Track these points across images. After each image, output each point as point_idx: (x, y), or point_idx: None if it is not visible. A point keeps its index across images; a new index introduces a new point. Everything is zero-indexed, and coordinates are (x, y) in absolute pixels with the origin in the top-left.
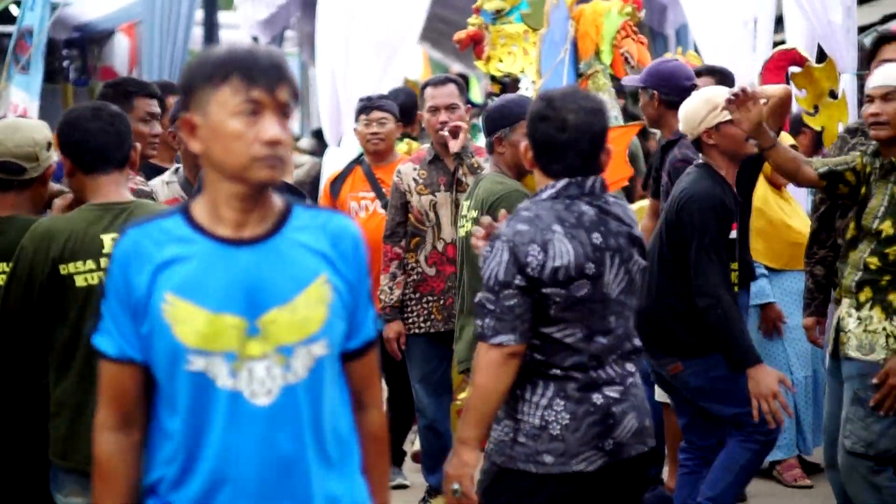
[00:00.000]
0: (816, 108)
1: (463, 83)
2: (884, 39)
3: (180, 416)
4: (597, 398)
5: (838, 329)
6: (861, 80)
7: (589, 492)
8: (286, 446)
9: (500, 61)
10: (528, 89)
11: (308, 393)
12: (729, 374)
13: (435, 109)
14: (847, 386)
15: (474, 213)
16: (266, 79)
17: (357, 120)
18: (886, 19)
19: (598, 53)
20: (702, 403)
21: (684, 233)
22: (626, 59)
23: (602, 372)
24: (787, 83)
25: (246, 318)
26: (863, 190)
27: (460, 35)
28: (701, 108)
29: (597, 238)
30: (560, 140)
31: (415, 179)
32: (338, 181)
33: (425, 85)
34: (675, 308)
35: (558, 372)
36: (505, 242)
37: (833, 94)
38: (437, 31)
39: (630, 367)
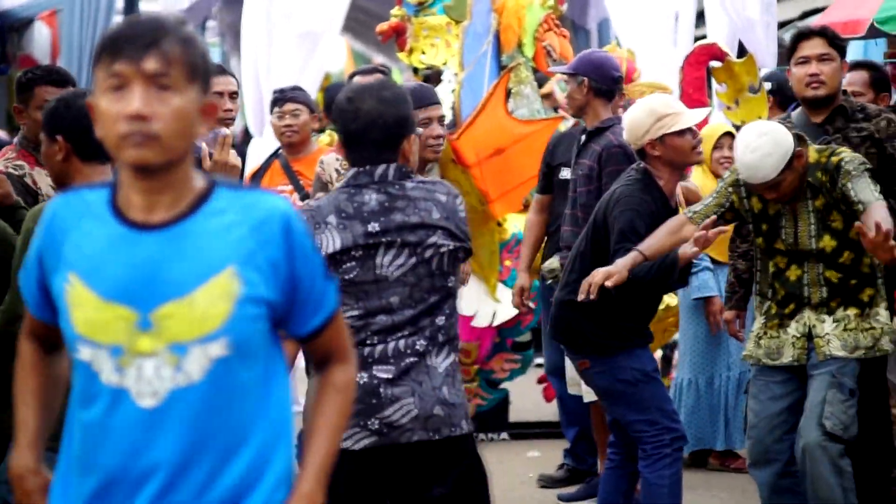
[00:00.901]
0: (737, 102)
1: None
2: (802, 36)
3: (76, 401)
4: (362, 377)
5: (809, 336)
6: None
7: (362, 471)
8: (162, 456)
9: (423, 53)
10: (451, 81)
11: (203, 400)
12: (632, 379)
13: None
14: (821, 375)
15: None
16: (131, 49)
17: (271, 112)
18: (806, 15)
19: (520, 46)
20: (605, 404)
21: (608, 233)
22: (548, 52)
23: (376, 351)
24: (708, 77)
25: (137, 311)
26: (762, 225)
27: (383, 27)
28: (646, 118)
29: (373, 227)
30: (354, 130)
31: (337, 170)
32: (258, 175)
33: (353, 74)
34: (585, 305)
35: None
36: None
37: (753, 89)
38: (359, 22)
39: (422, 344)
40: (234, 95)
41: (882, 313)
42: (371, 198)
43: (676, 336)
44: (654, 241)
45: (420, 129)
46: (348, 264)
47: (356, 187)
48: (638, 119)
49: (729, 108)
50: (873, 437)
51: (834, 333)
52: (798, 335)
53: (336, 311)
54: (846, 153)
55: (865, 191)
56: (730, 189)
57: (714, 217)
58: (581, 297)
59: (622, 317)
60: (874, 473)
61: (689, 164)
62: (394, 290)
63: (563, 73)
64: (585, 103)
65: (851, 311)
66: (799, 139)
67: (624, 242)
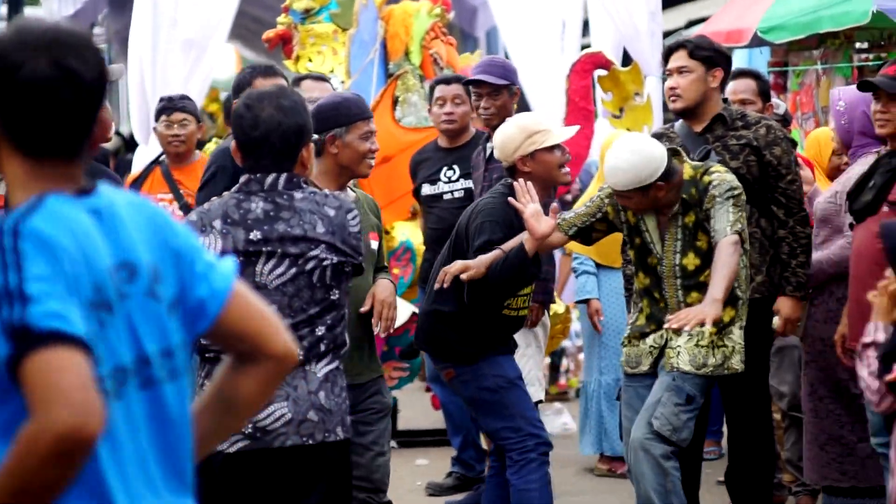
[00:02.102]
0: (622, 110)
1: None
2: (669, 49)
3: None
4: None
5: (664, 347)
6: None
7: (236, 474)
8: None
9: (310, 61)
10: (338, 89)
11: None
12: (494, 386)
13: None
14: (663, 378)
15: None
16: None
17: (157, 120)
18: (691, 24)
19: (407, 54)
20: (472, 412)
21: (469, 243)
22: (435, 60)
23: None
24: (594, 85)
25: None
26: (636, 239)
27: (269, 34)
28: (518, 135)
29: (255, 235)
30: (253, 137)
31: None
32: (137, 183)
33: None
34: (448, 313)
35: (211, 354)
36: None
37: (639, 97)
38: (247, 29)
39: (300, 354)
40: None
41: (736, 332)
42: (257, 206)
43: (564, 343)
44: (517, 242)
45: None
46: None
47: (246, 194)
48: (510, 135)
49: (615, 116)
50: (756, 443)
51: (686, 347)
52: (655, 346)
53: (229, 292)
54: (718, 175)
55: (722, 220)
56: (605, 200)
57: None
58: (436, 285)
59: (484, 325)
60: (757, 479)
61: (557, 182)
62: (273, 298)
63: (494, 82)
64: (510, 112)
65: (707, 329)
66: (674, 153)
67: (480, 252)
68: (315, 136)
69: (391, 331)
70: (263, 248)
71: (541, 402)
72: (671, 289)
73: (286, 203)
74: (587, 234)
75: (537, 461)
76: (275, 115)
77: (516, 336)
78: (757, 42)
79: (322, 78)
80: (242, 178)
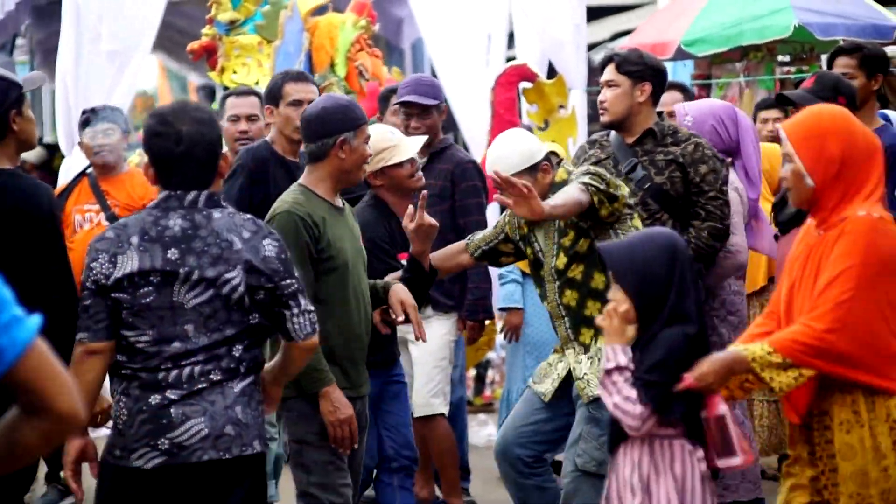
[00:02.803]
0: (547, 123)
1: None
2: (602, 62)
3: None
4: (153, 398)
5: (569, 378)
6: (591, 95)
7: (154, 490)
8: None
9: (235, 72)
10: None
11: None
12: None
13: (236, 119)
14: (581, 409)
15: None
16: None
17: (82, 132)
18: (616, 36)
19: (332, 66)
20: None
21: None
22: (360, 71)
23: (170, 375)
24: (519, 98)
25: None
26: (528, 250)
27: (194, 45)
28: (380, 145)
29: (173, 253)
30: (177, 153)
31: None
32: (63, 194)
33: (227, 95)
34: None
35: (128, 371)
36: (90, 246)
37: (563, 109)
38: (172, 40)
39: (217, 374)
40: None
41: None
42: (175, 223)
43: (490, 355)
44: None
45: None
46: (145, 288)
47: (164, 210)
48: (375, 144)
49: (540, 128)
50: None
51: (591, 372)
52: (560, 375)
53: (22, 353)
54: (582, 168)
55: (563, 191)
56: (506, 218)
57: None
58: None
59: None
60: None
61: (410, 190)
62: (189, 318)
63: (425, 103)
64: (438, 130)
65: (602, 343)
66: (552, 155)
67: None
68: (323, 140)
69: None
70: (180, 269)
71: (443, 415)
72: (551, 293)
73: (204, 222)
74: (494, 255)
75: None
76: (197, 128)
77: (431, 346)
78: (681, 55)
79: (251, 92)
80: (161, 195)
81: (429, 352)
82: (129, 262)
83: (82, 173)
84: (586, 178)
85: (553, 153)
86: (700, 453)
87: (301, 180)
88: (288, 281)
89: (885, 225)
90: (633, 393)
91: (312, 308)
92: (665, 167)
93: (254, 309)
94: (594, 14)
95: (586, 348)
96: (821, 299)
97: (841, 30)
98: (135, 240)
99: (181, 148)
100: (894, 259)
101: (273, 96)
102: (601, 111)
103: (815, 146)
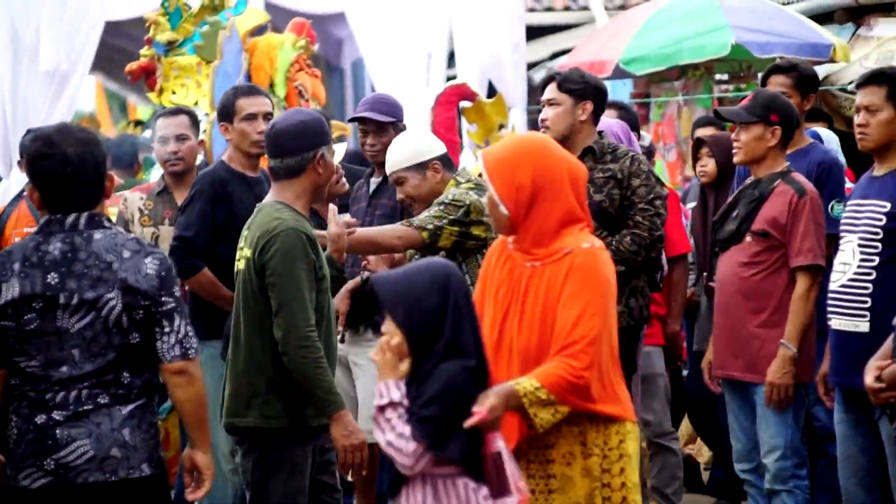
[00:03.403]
0: (487, 142)
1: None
2: (544, 81)
3: None
4: (39, 419)
5: None
6: (530, 114)
7: None
8: None
9: (174, 93)
10: (202, 121)
11: None
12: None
13: (165, 140)
14: None
15: (247, 252)
16: None
17: (22, 155)
18: (555, 55)
19: (272, 86)
20: None
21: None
22: (300, 91)
23: (57, 397)
24: (459, 117)
25: None
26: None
27: (132, 66)
28: None
29: (53, 278)
30: (66, 175)
31: (140, 209)
32: (2, 217)
33: (157, 116)
34: None
35: (19, 393)
36: None
37: (503, 128)
38: (110, 61)
39: (105, 398)
40: (268, 116)
41: None
42: (55, 247)
43: None
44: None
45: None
46: (29, 315)
47: (45, 235)
48: None
49: (480, 147)
50: None
51: None
52: None
53: None
54: (455, 191)
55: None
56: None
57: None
58: None
59: None
60: None
61: (335, 194)
62: (74, 342)
63: (380, 120)
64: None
65: None
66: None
67: None
68: (303, 155)
69: None
70: (61, 292)
71: None
72: None
73: (84, 244)
74: (463, 239)
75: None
76: (83, 149)
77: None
78: (619, 73)
79: (180, 111)
80: (43, 219)
81: (372, 376)
82: (11, 290)
83: (20, 195)
84: (433, 210)
85: (449, 161)
86: (484, 491)
87: (277, 197)
88: (165, 299)
89: (605, 254)
90: (407, 430)
91: (190, 333)
92: (603, 184)
93: (133, 328)
94: (533, 33)
95: None
96: (572, 336)
97: (778, 48)
98: (17, 266)
99: (69, 169)
100: (614, 286)
101: (226, 113)
102: (543, 129)
103: (506, 174)
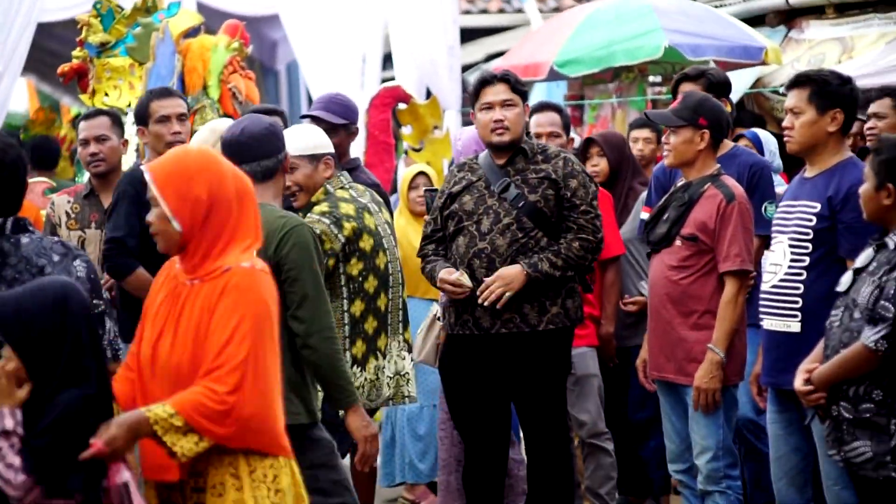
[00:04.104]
0: (422, 143)
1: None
2: (485, 82)
3: None
4: None
5: (396, 374)
6: (465, 116)
7: None
8: None
9: (106, 95)
10: (135, 123)
11: None
12: None
13: (86, 142)
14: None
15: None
16: None
17: None
18: (490, 58)
19: (205, 88)
20: None
21: None
22: (233, 94)
23: None
24: (394, 119)
25: None
26: None
27: (64, 68)
28: (209, 136)
29: None
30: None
31: (67, 213)
32: None
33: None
34: None
35: None
36: None
37: (438, 130)
38: (43, 62)
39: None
40: (181, 117)
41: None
42: None
43: None
44: None
45: None
46: None
47: None
48: (202, 138)
49: (415, 149)
50: (554, 472)
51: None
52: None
53: None
54: (309, 219)
55: None
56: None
57: None
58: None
59: None
60: None
61: None
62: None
63: (332, 121)
64: (346, 151)
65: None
66: (421, 175)
67: None
68: (277, 157)
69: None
70: None
71: None
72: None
73: (13, 249)
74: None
75: None
76: (10, 153)
77: None
78: (554, 76)
79: (100, 113)
80: None
81: None
82: None
83: None
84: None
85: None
86: None
87: (260, 199)
88: (96, 302)
89: (265, 276)
90: (17, 461)
91: (117, 335)
92: (538, 185)
93: None
94: (468, 36)
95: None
96: (218, 360)
97: (710, 51)
98: None
99: (2, 174)
100: (273, 309)
101: (141, 116)
102: (499, 130)
103: (181, 187)
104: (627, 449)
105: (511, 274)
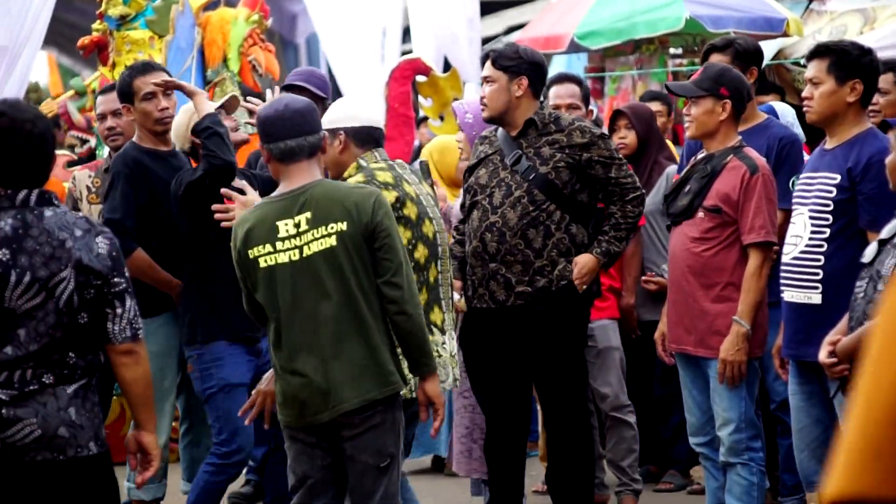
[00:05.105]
0: (442, 117)
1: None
2: (484, 57)
3: None
4: None
5: (453, 353)
6: None
7: None
8: None
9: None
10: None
11: None
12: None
13: (103, 117)
14: None
15: (341, 226)
16: None
17: None
18: (510, 30)
19: (225, 61)
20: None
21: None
22: (253, 66)
23: (1, 376)
24: (414, 91)
25: None
26: None
27: (84, 41)
28: (184, 118)
29: (4, 254)
30: (25, 150)
31: (88, 187)
32: None
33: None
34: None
35: None
36: None
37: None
38: (63, 35)
39: (49, 378)
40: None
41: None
42: (6, 223)
43: None
44: None
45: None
46: None
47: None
48: (178, 121)
49: (435, 122)
50: (575, 444)
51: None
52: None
53: None
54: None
55: None
56: None
57: None
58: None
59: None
60: (577, 480)
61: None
62: (22, 322)
63: (315, 92)
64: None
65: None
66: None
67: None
68: (321, 132)
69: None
70: (12, 272)
71: None
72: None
73: (36, 221)
74: None
75: (219, 465)
76: (41, 125)
77: None
78: (574, 48)
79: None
80: None
81: None
82: None
83: None
84: None
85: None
86: None
87: (312, 177)
88: (118, 279)
89: None
90: None
91: (137, 313)
92: (550, 157)
93: (83, 308)
94: (488, 8)
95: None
96: None
97: (731, 22)
98: None
99: (29, 145)
100: None
101: (125, 94)
102: (482, 107)
103: None
104: (650, 423)
105: (587, 265)
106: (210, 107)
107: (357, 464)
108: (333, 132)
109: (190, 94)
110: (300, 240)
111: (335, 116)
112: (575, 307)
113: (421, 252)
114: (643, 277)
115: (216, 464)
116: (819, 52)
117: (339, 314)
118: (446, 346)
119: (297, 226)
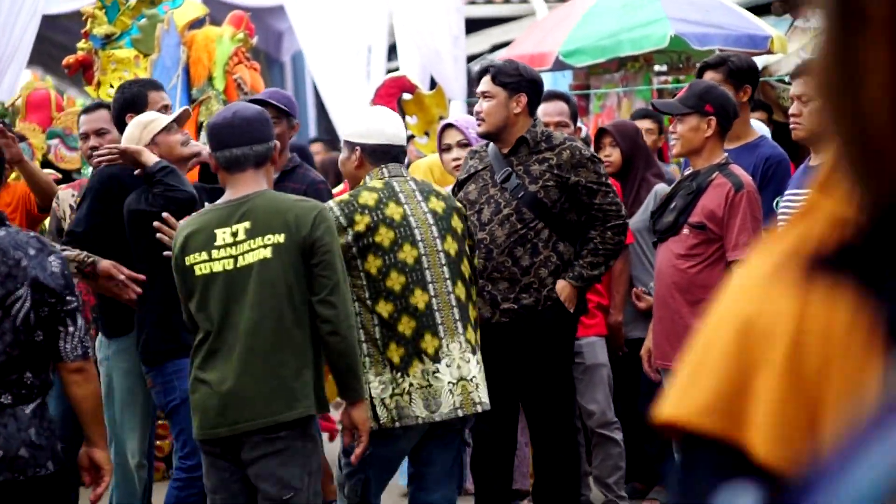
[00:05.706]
0: (427, 133)
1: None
2: (478, 73)
3: None
4: None
5: (461, 379)
6: (471, 106)
7: None
8: None
9: (111, 86)
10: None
11: None
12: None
13: (86, 136)
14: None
15: (279, 238)
16: None
17: None
18: (495, 48)
19: (210, 79)
20: None
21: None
22: (239, 85)
23: None
24: (400, 108)
25: None
26: None
27: (69, 59)
28: (135, 130)
29: None
30: None
31: (71, 206)
32: None
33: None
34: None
35: None
36: None
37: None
38: (48, 55)
39: (7, 398)
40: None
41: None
42: None
43: None
44: None
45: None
46: None
47: None
48: (130, 134)
49: (420, 139)
50: (561, 460)
51: (481, 378)
52: (456, 379)
53: None
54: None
55: None
56: None
57: None
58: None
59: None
60: (563, 496)
61: (184, 157)
62: None
63: (280, 107)
64: (285, 143)
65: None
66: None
67: None
68: (269, 143)
69: None
70: None
71: None
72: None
73: None
74: None
75: (184, 479)
76: None
77: None
78: (559, 66)
79: (100, 106)
80: None
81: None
82: None
83: None
84: None
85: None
86: None
87: (256, 186)
88: (70, 298)
89: None
90: None
91: (85, 331)
92: (539, 176)
93: (38, 326)
94: (473, 26)
95: (474, 349)
96: None
97: (716, 40)
98: None
99: None
100: None
101: (137, 105)
102: (478, 122)
103: None
104: (636, 440)
105: (563, 291)
106: (154, 158)
107: (259, 491)
108: (351, 146)
109: (134, 154)
110: (236, 249)
111: (355, 130)
112: (561, 325)
113: (395, 280)
114: (634, 290)
115: (182, 478)
116: (807, 69)
117: (262, 328)
118: (440, 374)
119: (235, 234)
